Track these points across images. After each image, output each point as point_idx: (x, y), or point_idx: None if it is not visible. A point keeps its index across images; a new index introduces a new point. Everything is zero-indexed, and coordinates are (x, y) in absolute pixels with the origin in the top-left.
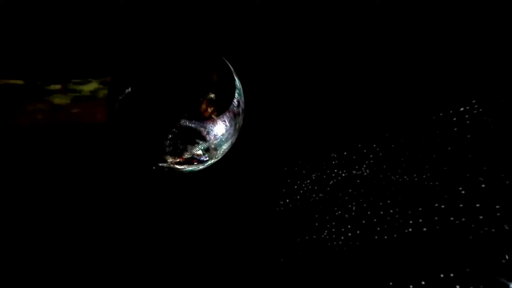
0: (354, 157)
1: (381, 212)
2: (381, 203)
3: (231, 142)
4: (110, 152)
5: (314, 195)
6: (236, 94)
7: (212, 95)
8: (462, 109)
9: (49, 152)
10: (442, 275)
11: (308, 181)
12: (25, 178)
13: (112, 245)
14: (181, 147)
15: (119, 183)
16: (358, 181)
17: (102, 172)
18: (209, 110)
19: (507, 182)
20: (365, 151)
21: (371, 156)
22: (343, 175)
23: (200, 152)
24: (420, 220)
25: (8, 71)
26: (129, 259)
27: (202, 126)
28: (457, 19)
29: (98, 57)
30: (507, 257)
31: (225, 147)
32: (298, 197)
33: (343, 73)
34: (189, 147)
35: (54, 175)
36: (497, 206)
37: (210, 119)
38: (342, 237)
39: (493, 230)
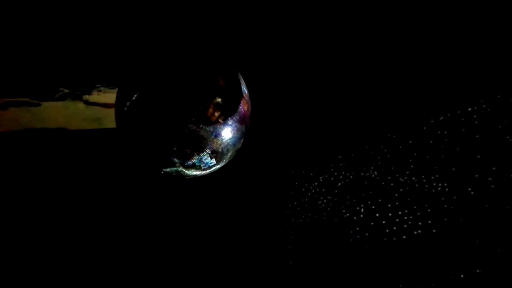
0: (361, 159)
1: (390, 214)
2: (389, 205)
3: (239, 145)
4: (118, 156)
5: (322, 198)
6: (243, 98)
7: (219, 100)
8: (470, 109)
9: (58, 157)
10: (452, 277)
11: (316, 183)
12: (33, 183)
13: (121, 248)
14: (188, 151)
15: (128, 187)
16: (366, 183)
17: (111, 177)
18: (216, 114)
19: None
20: (372, 152)
21: (378, 157)
22: (351, 177)
23: (207, 156)
24: (429, 222)
25: (10, 75)
26: (138, 262)
27: (210, 131)
28: (466, 19)
29: (107, 63)
30: None
31: (232, 150)
32: (306, 199)
33: (350, 75)
34: (196, 151)
35: (63, 180)
36: (507, 207)
37: (217, 123)
38: (351, 239)
39: (502, 231)
